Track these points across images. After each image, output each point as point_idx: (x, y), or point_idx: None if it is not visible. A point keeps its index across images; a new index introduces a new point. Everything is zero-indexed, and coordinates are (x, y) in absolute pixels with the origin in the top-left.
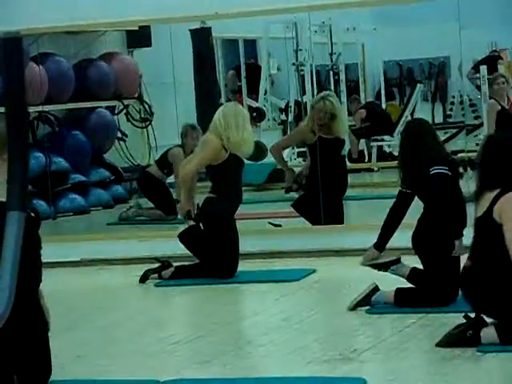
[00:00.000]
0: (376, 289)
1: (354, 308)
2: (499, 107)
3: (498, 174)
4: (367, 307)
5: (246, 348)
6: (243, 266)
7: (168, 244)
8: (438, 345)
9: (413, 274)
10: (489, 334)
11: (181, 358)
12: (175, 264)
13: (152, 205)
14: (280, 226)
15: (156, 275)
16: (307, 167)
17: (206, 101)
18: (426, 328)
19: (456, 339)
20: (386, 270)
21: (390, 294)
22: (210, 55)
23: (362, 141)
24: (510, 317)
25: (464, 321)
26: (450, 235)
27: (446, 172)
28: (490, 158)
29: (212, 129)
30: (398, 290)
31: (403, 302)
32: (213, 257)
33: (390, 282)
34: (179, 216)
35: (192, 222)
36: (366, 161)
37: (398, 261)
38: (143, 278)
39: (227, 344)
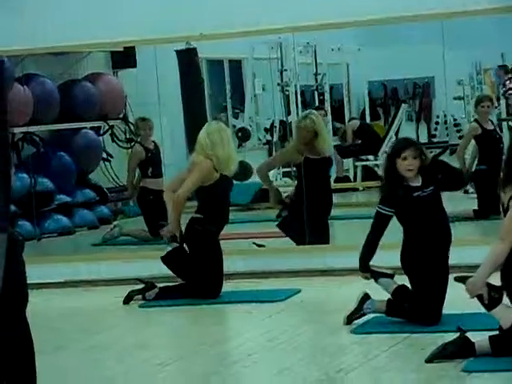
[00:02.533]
0: (366, 296)
1: (349, 322)
2: (480, 131)
3: None
4: (353, 326)
5: (230, 369)
6: (228, 286)
7: (153, 265)
8: (432, 356)
9: (396, 292)
10: (483, 345)
11: (165, 379)
12: (159, 285)
13: (137, 226)
14: (264, 246)
15: (140, 296)
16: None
17: (194, 121)
18: (412, 348)
19: (450, 351)
20: (375, 280)
21: (382, 303)
22: (197, 75)
23: (348, 161)
24: None
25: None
26: (435, 255)
27: (385, 213)
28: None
29: (198, 149)
30: (390, 302)
31: (393, 313)
32: (197, 277)
33: (378, 297)
34: (164, 239)
35: (175, 244)
36: (352, 180)
37: (390, 276)
38: (127, 299)
39: (212, 365)
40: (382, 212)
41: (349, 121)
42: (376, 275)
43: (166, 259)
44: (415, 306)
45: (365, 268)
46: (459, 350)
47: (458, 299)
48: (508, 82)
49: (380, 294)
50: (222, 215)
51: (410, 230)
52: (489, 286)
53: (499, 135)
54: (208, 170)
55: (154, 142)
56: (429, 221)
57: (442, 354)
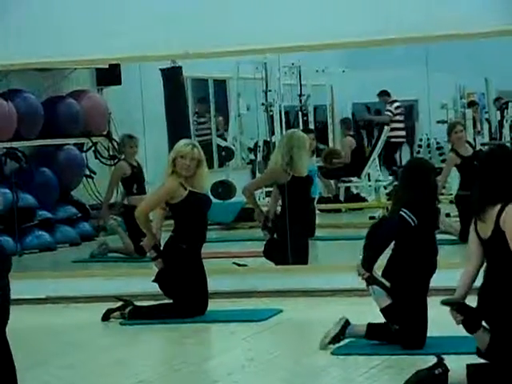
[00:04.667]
0: (347, 322)
1: (326, 346)
2: (459, 160)
3: (498, 188)
4: (332, 348)
5: None
6: (209, 305)
7: (135, 282)
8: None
9: (388, 309)
10: (458, 374)
11: None
12: (140, 303)
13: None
14: (246, 265)
15: (118, 314)
16: (272, 208)
17: (178, 139)
18: (391, 370)
19: (423, 377)
20: (368, 285)
21: (362, 327)
22: (181, 94)
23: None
24: None
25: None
26: (419, 279)
27: (409, 220)
28: (490, 173)
29: (166, 169)
30: (370, 325)
31: (373, 336)
32: (177, 296)
33: (359, 318)
34: (148, 254)
35: (160, 265)
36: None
37: (386, 289)
38: (105, 317)
39: None
40: (407, 219)
41: (344, 127)
42: (373, 281)
43: (156, 280)
44: (403, 330)
45: (369, 268)
46: (432, 378)
47: (440, 321)
48: (389, 105)
49: (359, 317)
50: (195, 233)
51: (405, 250)
52: (464, 307)
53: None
54: (171, 187)
55: (136, 160)
56: (431, 246)
57: (415, 382)
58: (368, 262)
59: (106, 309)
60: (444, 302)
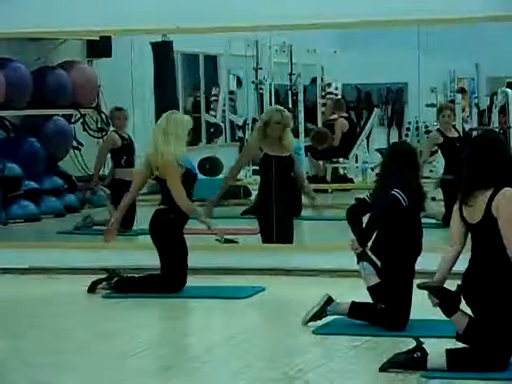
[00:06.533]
0: (330, 299)
1: (308, 322)
2: (441, 139)
3: (490, 173)
4: (314, 327)
5: (190, 364)
6: (192, 281)
7: (119, 255)
8: (383, 366)
9: (375, 288)
10: (437, 358)
11: (124, 371)
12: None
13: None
14: (237, 242)
15: (104, 285)
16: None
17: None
18: (371, 351)
19: (402, 360)
20: (358, 261)
21: (345, 305)
22: (170, 68)
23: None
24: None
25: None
26: (406, 260)
27: (401, 200)
28: (481, 158)
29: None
30: (353, 304)
31: (356, 315)
32: (163, 270)
33: (342, 298)
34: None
35: None
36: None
37: (376, 266)
38: (91, 288)
39: (171, 359)
40: (400, 199)
41: (337, 108)
42: (365, 257)
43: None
44: (387, 310)
45: (363, 244)
46: (410, 362)
47: (422, 304)
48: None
49: (341, 298)
50: None
51: (394, 230)
52: (442, 291)
53: (461, 143)
54: (175, 166)
55: (127, 133)
56: (418, 227)
57: (394, 364)
58: (362, 238)
59: (93, 280)
60: (421, 286)
